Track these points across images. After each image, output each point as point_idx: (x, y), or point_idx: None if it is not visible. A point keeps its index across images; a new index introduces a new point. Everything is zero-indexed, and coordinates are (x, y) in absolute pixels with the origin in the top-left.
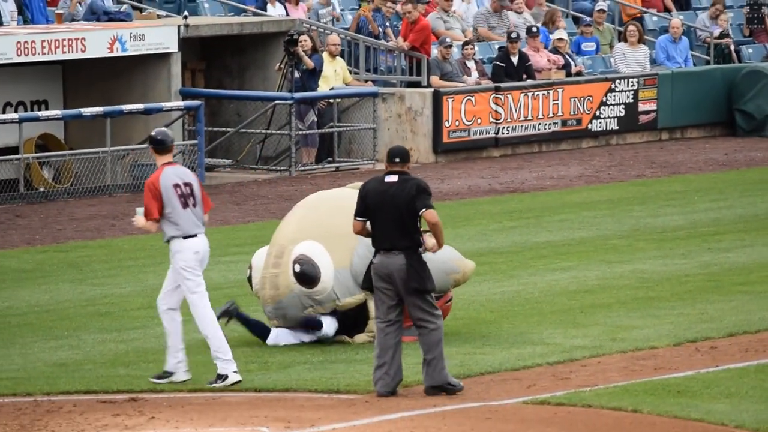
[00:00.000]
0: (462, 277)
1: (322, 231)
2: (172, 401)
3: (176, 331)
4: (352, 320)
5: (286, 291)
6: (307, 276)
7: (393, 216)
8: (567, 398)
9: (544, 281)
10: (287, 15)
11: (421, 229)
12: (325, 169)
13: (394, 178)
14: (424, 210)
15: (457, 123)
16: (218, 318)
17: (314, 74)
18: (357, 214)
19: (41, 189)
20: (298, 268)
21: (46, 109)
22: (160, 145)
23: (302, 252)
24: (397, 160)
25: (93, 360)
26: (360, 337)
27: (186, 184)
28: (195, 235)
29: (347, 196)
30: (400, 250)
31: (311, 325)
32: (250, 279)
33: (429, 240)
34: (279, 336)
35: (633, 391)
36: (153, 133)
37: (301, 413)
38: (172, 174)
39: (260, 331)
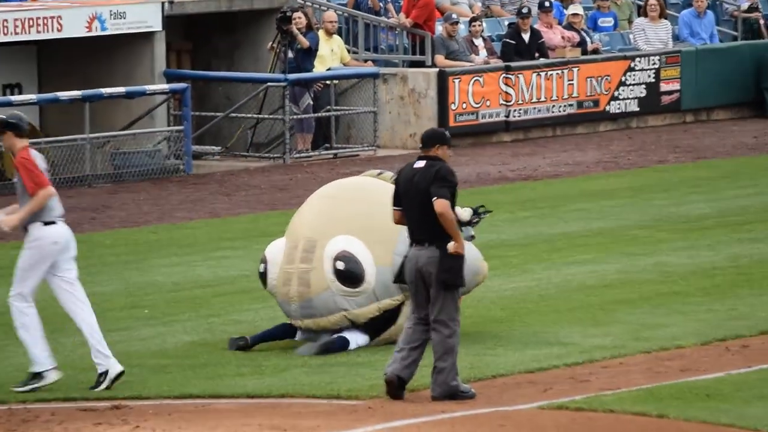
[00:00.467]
0: (483, 279)
1: (355, 224)
2: (159, 408)
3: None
4: (381, 324)
5: (319, 289)
6: (353, 275)
7: (417, 204)
8: (586, 403)
9: (560, 276)
10: None
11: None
12: (321, 156)
13: (421, 163)
14: (435, 198)
15: (464, 105)
16: (234, 348)
17: (309, 54)
18: (393, 203)
19: (14, 180)
20: (341, 265)
21: (20, 93)
22: (17, 129)
23: (343, 248)
24: (425, 144)
25: (72, 365)
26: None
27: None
28: (55, 222)
29: (369, 185)
30: (429, 241)
31: (335, 348)
32: (264, 274)
33: (450, 243)
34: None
35: (658, 394)
36: (5, 117)
37: (298, 421)
38: (38, 156)
39: (283, 333)
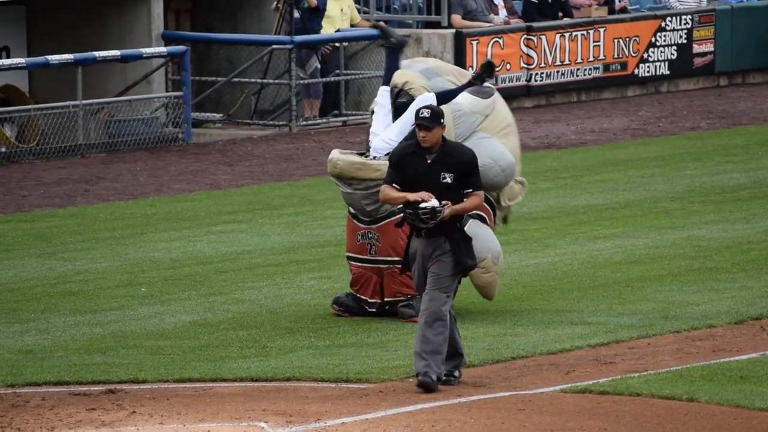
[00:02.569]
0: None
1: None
2: (156, 393)
3: None
4: None
5: None
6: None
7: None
8: (612, 386)
9: (585, 251)
10: None
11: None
12: (330, 123)
13: None
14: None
15: None
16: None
17: (317, 14)
18: None
19: (2, 149)
20: None
21: (8, 57)
22: None
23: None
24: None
25: (64, 346)
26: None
27: None
28: None
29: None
30: None
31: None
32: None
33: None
34: None
35: (688, 376)
36: None
37: (305, 405)
38: None
39: None
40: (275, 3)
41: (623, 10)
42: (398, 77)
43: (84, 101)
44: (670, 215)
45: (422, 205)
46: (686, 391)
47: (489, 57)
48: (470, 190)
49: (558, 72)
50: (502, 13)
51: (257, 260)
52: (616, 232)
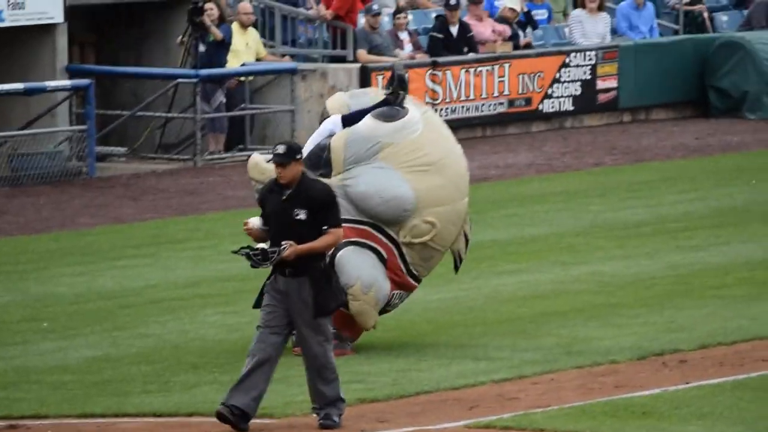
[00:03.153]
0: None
1: None
2: (59, 428)
3: None
4: None
5: None
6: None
7: None
8: (515, 421)
9: (489, 286)
10: None
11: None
12: (235, 158)
13: None
14: None
15: None
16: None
17: (222, 48)
18: None
19: None
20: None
21: None
22: None
23: None
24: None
25: None
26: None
27: None
28: None
29: None
30: None
31: None
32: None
33: None
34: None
35: (591, 412)
36: None
37: None
38: None
39: None
40: (181, 36)
41: (528, 45)
42: (328, 101)
43: None
44: (575, 250)
45: (258, 245)
46: (589, 427)
47: (398, 68)
48: (326, 227)
49: (463, 107)
50: (408, 47)
51: (161, 294)
52: (521, 267)
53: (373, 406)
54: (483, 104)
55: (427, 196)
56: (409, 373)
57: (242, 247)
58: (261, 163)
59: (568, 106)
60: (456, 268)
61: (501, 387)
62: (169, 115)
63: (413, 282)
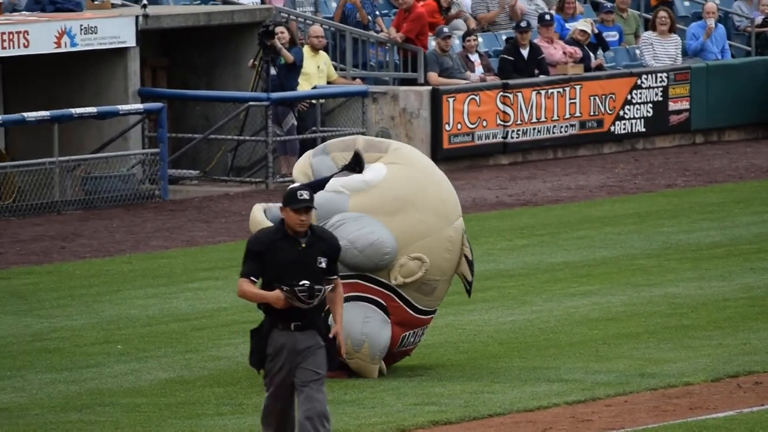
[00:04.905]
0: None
1: None
2: None
3: None
4: None
5: None
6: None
7: None
8: None
9: (562, 308)
10: (262, 3)
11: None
12: None
13: None
14: None
15: (459, 126)
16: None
17: (294, 71)
18: None
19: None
20: None
21: None
22: None
23: None
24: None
25: (40, 404)
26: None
27: None
28: None
29: None
30: None
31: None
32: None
33: None
34: None
35: None
36: None
37: None
38: None
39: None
40: (252, 60)
41: (599, 67)
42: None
43: (60, 158)
44: (647, 272)
45: (302, 282)
46: None
47: (357, 148)
48: (333, 277)
49: (534, 129)
50: (479, 70)
51: (233, 317)
52: (593, 289)
53: (446, 428)
54: (554, 126)
55: (407, 233)
56: (482, 395)
57: (285, 285)
58: (264, 222)
59: (640, 127)
60: (468, 293)
61: (574, 409)
62: (241, 137)
63: (424, 317)
